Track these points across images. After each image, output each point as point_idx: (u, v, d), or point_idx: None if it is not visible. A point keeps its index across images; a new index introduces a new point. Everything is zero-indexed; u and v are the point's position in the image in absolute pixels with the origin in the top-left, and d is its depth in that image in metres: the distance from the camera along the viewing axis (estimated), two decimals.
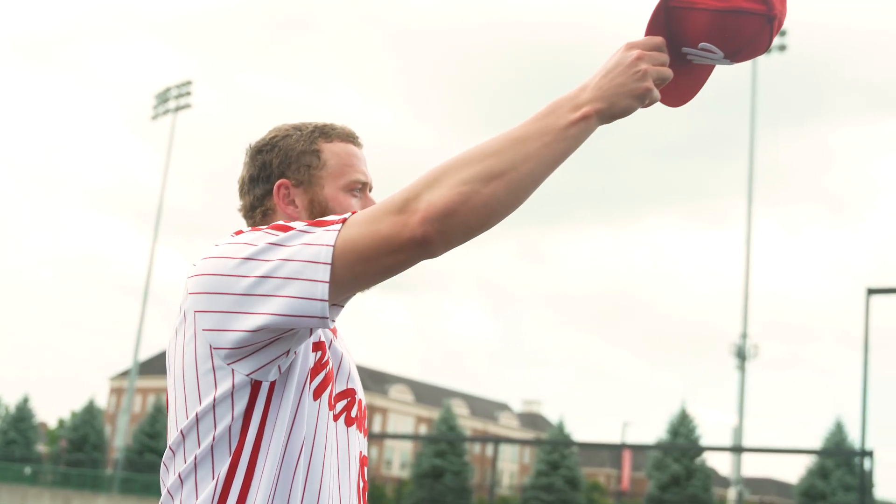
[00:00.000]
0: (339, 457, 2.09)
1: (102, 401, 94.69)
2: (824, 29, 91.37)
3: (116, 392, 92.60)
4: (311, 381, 2.05)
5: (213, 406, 1.98)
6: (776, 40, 45.68)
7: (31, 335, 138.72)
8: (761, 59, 46.38)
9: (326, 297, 1.83)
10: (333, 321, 1.90)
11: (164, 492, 2.06)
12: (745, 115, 47.45)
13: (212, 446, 1.98)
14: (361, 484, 2.20)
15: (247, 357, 1.93)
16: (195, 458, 1.99)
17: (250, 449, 1.97)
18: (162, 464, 2.08)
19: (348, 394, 2.17)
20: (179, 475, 2.02)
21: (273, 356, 1.94)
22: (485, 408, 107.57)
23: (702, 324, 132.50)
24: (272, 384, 1.98)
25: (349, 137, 2.32)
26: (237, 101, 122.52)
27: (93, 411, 63.73)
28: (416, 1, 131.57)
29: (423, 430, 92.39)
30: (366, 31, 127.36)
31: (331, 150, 2.28)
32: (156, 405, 63.48)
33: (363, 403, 2.24)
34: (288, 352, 1.95)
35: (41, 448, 76.46)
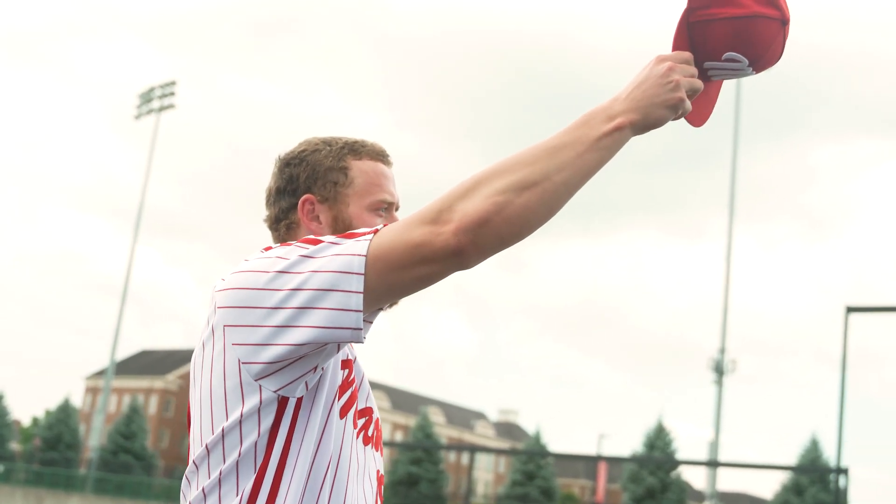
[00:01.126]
0: (360, 475, 2.09)
1: (78, 400, 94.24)
2: (808, 47, 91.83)
3: (92, 391, 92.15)
4: (338, 399, 2.04)
5: (240, 422, 1.95)
6: None
7: (7, 332, 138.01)
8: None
9: (361, 308, 1.82)
10: (365, 336, 1.88)
11: None
12: (725, 130, 47.58)
13: (237, 462, 1.96)
14: (379, 502, 2.19)
15: (277, 372, 1.91)
16: (220, 473, 1.97)
17: (276, 466, 1.95)
18: (184, 477, 2.06)
19: (367, 412, 2.16)
20: (203, 490, 2.00)
21: (301, 372, 1.92)
22: (461, 416, 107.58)
23: (679, 337, 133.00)
24: (299, 401, 1.96)
25: (379, 156, 2.30)
26: (220, 102, 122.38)
27: (68, 410, 63.45)
28: (399, 7, 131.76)
29: (399, 437, 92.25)
30: (349, 35, 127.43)
31: (359, 168, 2.25)
32: (131, 406, 63.27)
33: (379, 422, 2.24)
34: (315, 368, 1.94)
35: (14, 446, 76.02)
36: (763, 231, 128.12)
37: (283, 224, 2.26)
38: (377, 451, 2.20)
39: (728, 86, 48.05)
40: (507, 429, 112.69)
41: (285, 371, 1.91)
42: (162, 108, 56.83)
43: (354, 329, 1.83)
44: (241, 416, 1.95)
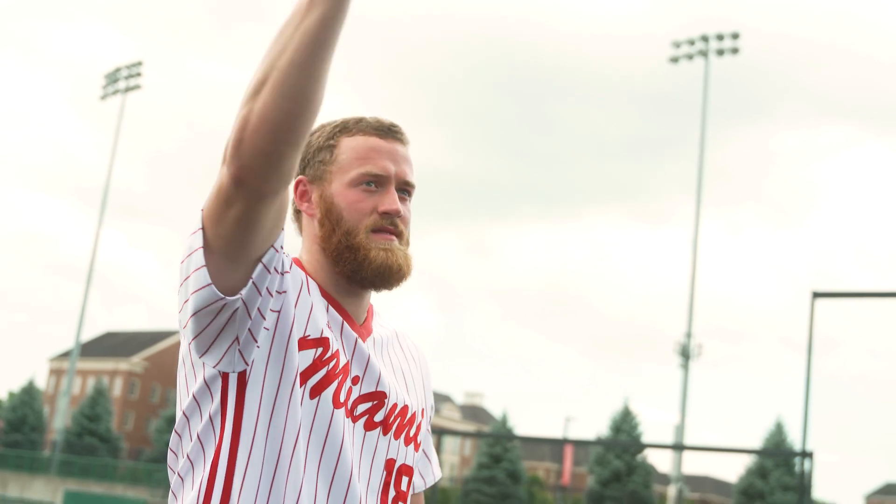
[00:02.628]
0: (354, 459, 2.06)
1: (42, 382, 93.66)
2: (777, 35, 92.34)
3: (56, 373, 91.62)
4: (302, 378, 2.02)
5: (196, 401, 2.02)
6: (729, 43, 46.09)
7: None
8: (714, 61, 46.76)
9: (203, 264, 1.87)
10: (239, 293, 1.90)
11: (171, 494, 2.08)
12: (692, 116, 47.83)
13: (200, 440, 2.02)
14: (394, 493, 2.16)
15: (208, 350, 1.96)
16: (188, 456, 2.03)
17: (228, 444, 1.98)
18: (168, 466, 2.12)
19: (374, 397, 2.13)
20: (179, 474, 2.06)
21: (225, 345, 1.95)
22: None
23: (645, 322, 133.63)
24: (243, 378, 1.99)
25: (375, 130, 2.21)
26: (186, 85, 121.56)
27: (32, 392, 63.08)
28: None
29: None
30: None
31: (347, 145, 2.19)
32: (96, 387, 62.94)
33: (407, 410, 2.21)
34: (238, 339, 1.94)
35: None
36: (729, 216, 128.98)
37: (294, 209, 2.25)
38: (397, 439, 2.16)
39: (696, 72, 48.36)
40: (473, 412, 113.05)
41: (214, 347, 1.95)
42: (128, 89, 56.36)
43: (206, 286, 1.87)
44: (195, 396, 2.02)
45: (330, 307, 2.13)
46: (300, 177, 2.22)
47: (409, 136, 2.23)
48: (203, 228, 1.87)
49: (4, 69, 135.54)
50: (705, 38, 46.73)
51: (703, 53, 46.67)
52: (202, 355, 1.98)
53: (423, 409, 2.29)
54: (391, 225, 2.14)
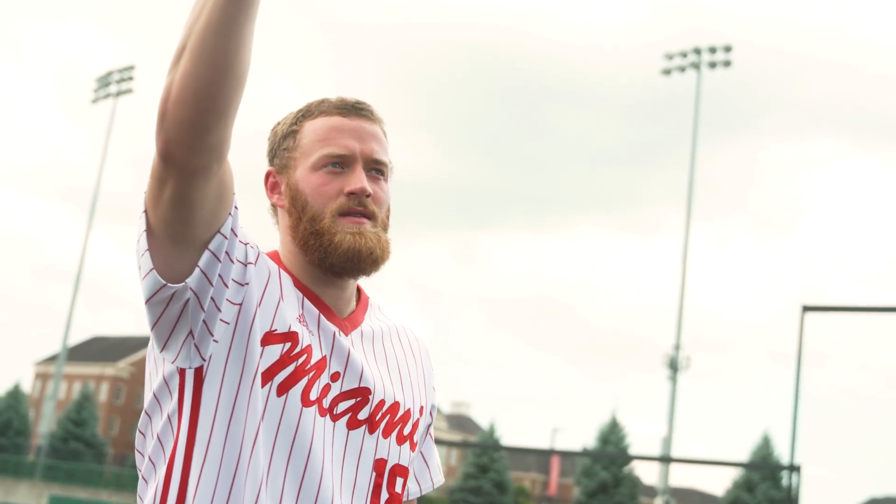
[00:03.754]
0: (327, 459, 1.95)
1: (27, 386, 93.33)
2: (769, 49, 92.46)
3: (42, 377, 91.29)
4: (268, 375, 1.92)
5: (157, 399, 1.97)
6: (721, 56, 46.18)
7: None
8: (706, 73, 46.86)
9: (147, 247, 1.81)
10: (184, 281, 1.83)
11: (137, 496, 2.02)
12: (683, 127, 47.94)
13: (160, 439, 1.95)
14: (387, 495, 2.06)
15: (166, 344, 1.90)
16: (150, 457, 1.97)
17: (184, 443, 1.90)
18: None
19: (357, 393, 2.02)
20: (143, 475, 2.00)
21: (180, 340, 1.88)
22: None
23: (633, 333, 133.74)
24: (200, 374, 1.90)
25: (338, 109, 2.10)
26: None
27: (17, 396, 62.86)
28: None
29: None
30: (302, 23, 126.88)
31: (309, 128, 2.09)
32: (82, 392, 62.71)
33: (398, 407, 2.10)
34: (192, 332, 1.87)
35: None
36: (718, 228, 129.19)
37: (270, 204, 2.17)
38: (386, 437, 2.06)
39: (688, 84, 48.55)
40: (460, 421, 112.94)
41: (171, 341, 1.89)
42: (119, 93, 56.29)
43: (150, 272, 1.81)
44: (155, 393, 1.97)
45: (305, 300, 2.03)
46: (269, 168, 2.13)
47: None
48: (146, 211, 1.81)
49: None
50: (698, 51, 46.82)
51: (696, 66, 46.76)
52: (162, 349, 1.91)
53: (420, 407, 2.18)
54: (360, 206, 2.03)
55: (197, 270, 1.82)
